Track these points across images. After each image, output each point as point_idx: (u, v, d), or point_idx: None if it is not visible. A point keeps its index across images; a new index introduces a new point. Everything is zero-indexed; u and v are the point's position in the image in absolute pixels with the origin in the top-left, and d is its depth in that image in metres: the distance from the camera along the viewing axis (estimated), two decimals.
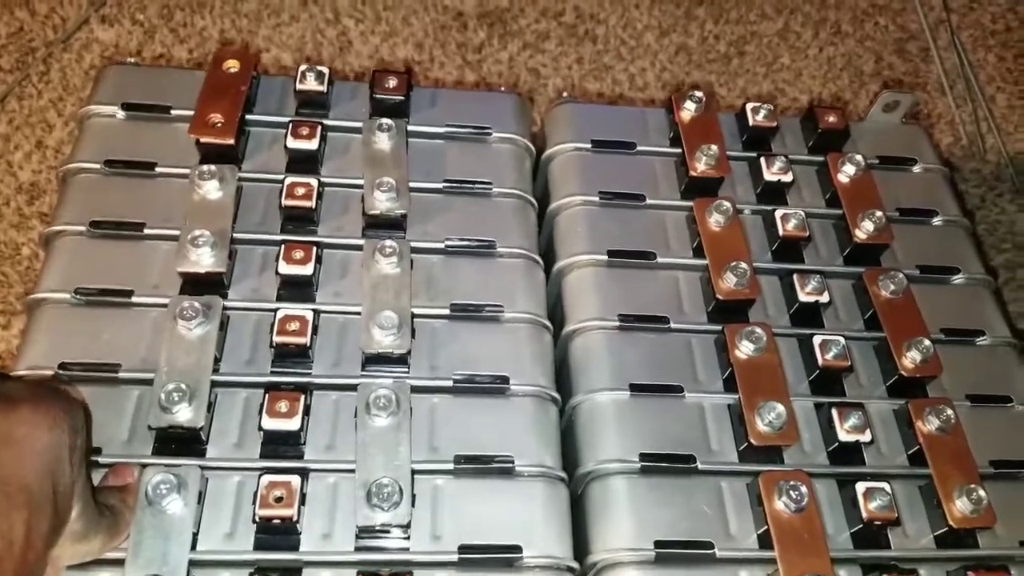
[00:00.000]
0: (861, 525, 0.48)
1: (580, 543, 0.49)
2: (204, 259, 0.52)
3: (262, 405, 0.47)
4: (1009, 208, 1.05)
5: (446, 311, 0.54)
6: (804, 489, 0.47)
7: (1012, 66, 1.20)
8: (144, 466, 0.45)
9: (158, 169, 0.58)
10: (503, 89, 0.71)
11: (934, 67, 1.19)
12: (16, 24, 1.01)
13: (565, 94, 0.84)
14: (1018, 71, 1.19)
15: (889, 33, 1.23)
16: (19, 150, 0.93)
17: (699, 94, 0.64)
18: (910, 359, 0.54)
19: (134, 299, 0.52)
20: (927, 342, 0.54)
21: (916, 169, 0.67)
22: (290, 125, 0.59)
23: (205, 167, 0.55)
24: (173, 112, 0.61)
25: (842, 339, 0.54)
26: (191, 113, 0.58)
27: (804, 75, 1.17)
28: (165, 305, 0.51)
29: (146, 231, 0.55)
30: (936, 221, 0.64)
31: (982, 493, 0.49)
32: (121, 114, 0.61)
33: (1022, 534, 0.51)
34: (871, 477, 0.50)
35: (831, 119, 0.65)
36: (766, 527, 0.47)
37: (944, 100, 1.16)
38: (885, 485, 0.49)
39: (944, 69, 1.18)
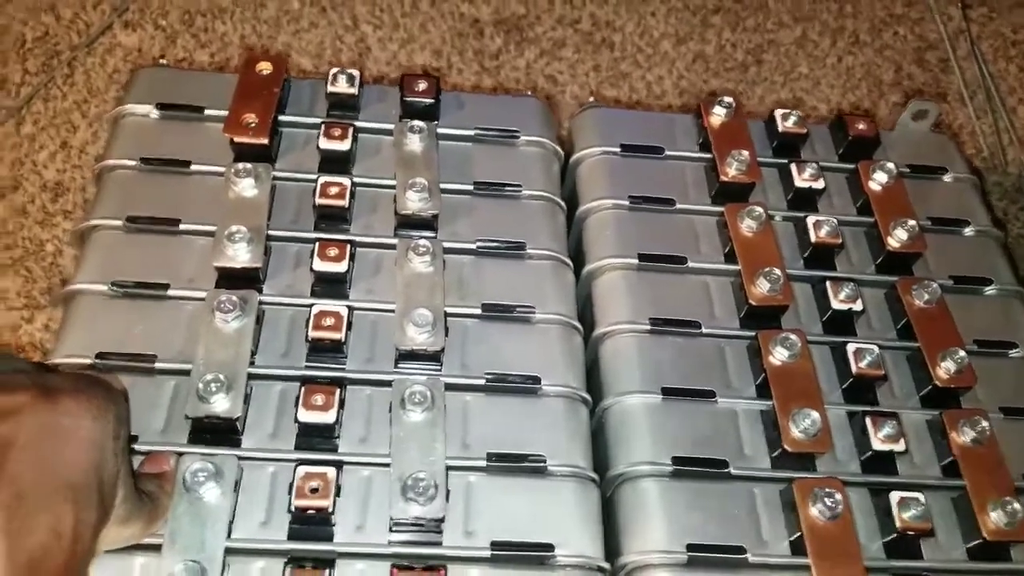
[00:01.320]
0: (895, 535, 0.48)
1: (609, 545, 0.49)
2: (240, 254, 0.52)
3: (298, 398, 0.47)
4: None
5: (477, 311, 0.54)
6: (839, 496, 0.47)
7: None
8: (180, 454, 0.45)
9: (192, 167, 0.58)
10: (529, 93, 0.72)
11: (954, 78, 1.18)
12: (42, 28, 1.02)
13: (592, 99, 0.85)
14: None
15: (908, 43, 1.22)
16: (44, 150, 0.93)
17: (728, 99, 0.64)
18: (944, 369, 0.54)
19: (170, 292, 0.52)
20: (961, 352, 0.54)
21: (947, 178, 0.67)
22: (323, 126, 0.59)
23: (241, 165, 0.55)
24: (206, 112, 0.61)
25: (876, 347, 0.54)
26: (223, 114, 0.58)
27: (823, 84, 1.17)
28: (201, 299, 0.51)
29: (181, 227, 0.55)
30: (968, 231, 0.64)
31: (1017, 506, 0.48)
32: (155, 113, 0.61)
33: None
34: (904, 487, 0.49)
35: (861, 127, 0.65)
36: (799, 534, 0.47)
37: (965, 111, 1.15)
38: (920, 495, 0.49)
39: (964, 80, 1.18)
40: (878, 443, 0.50)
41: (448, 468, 0.47)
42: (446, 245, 0.56)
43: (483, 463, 0.49)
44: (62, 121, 0.96)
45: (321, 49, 1.03)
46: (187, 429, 0.47)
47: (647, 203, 0.61)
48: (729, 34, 1.19)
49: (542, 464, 0.49)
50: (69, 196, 0.90)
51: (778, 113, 0.65)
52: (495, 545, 0.46)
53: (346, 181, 0.57)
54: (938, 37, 1.21)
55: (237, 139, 0.57)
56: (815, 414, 0.49)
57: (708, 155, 0.63)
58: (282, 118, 0.61)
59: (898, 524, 0.48)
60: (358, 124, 0.61)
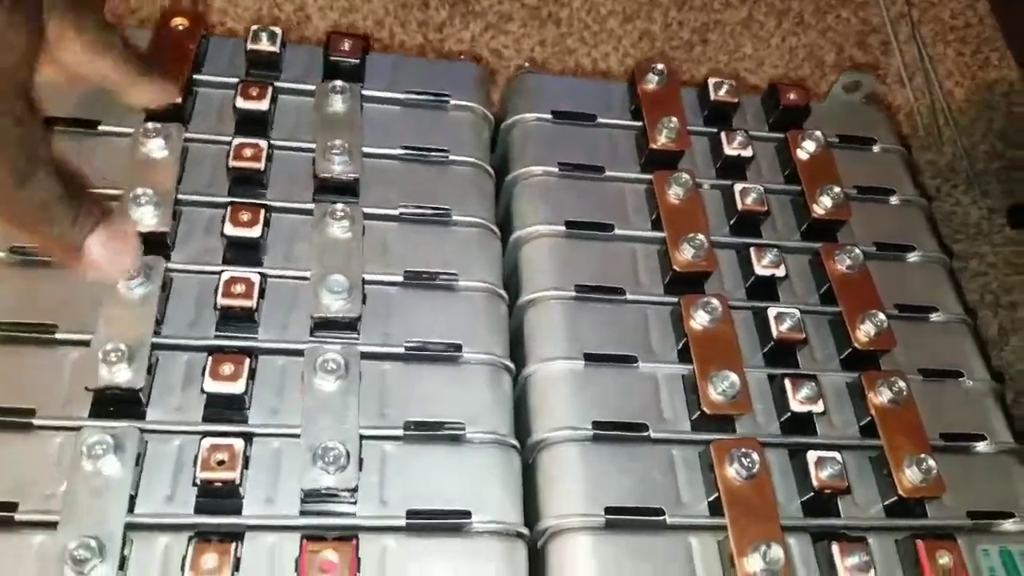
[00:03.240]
0: (812, 494, 0.48)
1: (532, 513, 0.48)
2: (147, 218, 0.50)
3: (205, 367, 0.46)
4: (963, 200, 1.07)
5: (399, 278, 0.53)
6: (756, 456, 0.47)
7: (970, 61, 1.22)
8: (80, 428, 0.43)
9: (101, 128, 0.56)
10: (463, 58, 0.70)
11: (894, 60, 1.20)
12: None
13: (526, 64, 0.84)
14: (976, 66, 1.21)
15: (851, 25, 1.24)
16: None
17: (661, 67, 0.63)
18: (864, 332, 0.54)
19: None
20: (881, 316, 0.54)
21: (875, 149, 0.67)
22: (239, 85, 0.57)
23: (150, 124, 0.53)
24: None
25: (797, 311, 0.54)
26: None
27: (766, 64, 1.18)
28: None
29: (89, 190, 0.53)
30: (893, 200, 0.64)
31: (932, 463, 0.49)
32: None
33: (970, 504, 0.51)
34: (822, 447, 0.50)
35: (792, 96, 0.65)
36: (717, 494, 0.47)
37: (903, 92, 1.17)
38: (836, 455, 0.49)
39: (904, 62, 1.19)
40: (796, 404, 0.50)
41: (363, 438, 0.46)
42: (368, 211, 0.55)
43: (400, 432, 0.48)
44: None
45: (258, 16, 1.00)
46: (88, 402, 0.45)
47: (577, 170, 0.60)
48: (676, 13, 1.19)
49: (461, 431, 0.48)
50: None
51: (711, 82, 0.65)
52: (411, 514, 0.45)
53: (263, 143, 0.55)
54: (880, 21, 1.23)
55: None
56: (733, 376, 0.49)
57: (640, 123, 0.63)
58: (198, 77, 0.59)
59: (815, 483, 0.48)
60: (278, 84, 0.59)
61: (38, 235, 0.36)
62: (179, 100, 0.55)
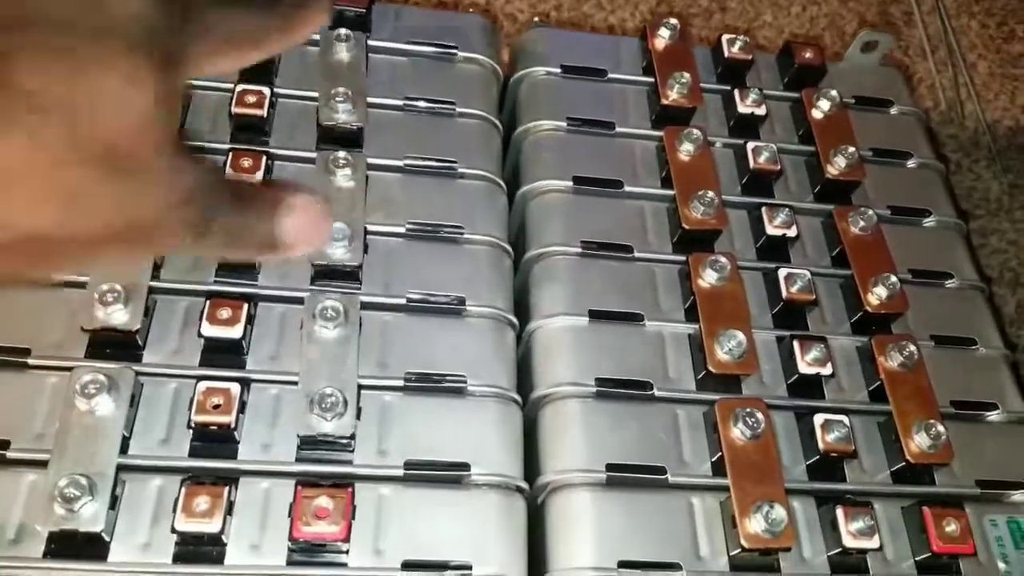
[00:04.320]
0: (818, 457, 0.47)
1: (533, 469, 0.48)
2: None
3: (203, 312, 0.45)
4: (985, 175, 1.05)
5: (403, 230, 0.52)
6: (760, 416, 0.46)
7: (995, 33, 1.19)
8: (72, 369, 0.43)
9: None
10: (471, 10, 0.69)
11: (916, 31, 1.17)
12: None
13: (537, 19, 0.82)
14: (1000, 39, 1.18)
15: None
16: None
17: (674, 22, 0.62)
18: (876, 295, 0.53)
19: None
20: (894, 279, 0.53)
21: (892, 111, 0.65)
22: None
23: None
24: None
25: (808, 272, 0.53)
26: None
27: (786, 32, 1.15)
28: None
29: None
30: (910, 163, 0.63)
31: (941, 429, 0.48)
32: None
33: (978, 473, 0.50)
34: (830, 411, 0.49)
35: (808, 55, 0.64)
36: (720, 454, 0.46)
37: (925, 65, 1.14)
38: (844, 418, 0.48)
39: (927, 34, 1.17)
40: (805, 366, 0.49)
41: (363, 387, 0.46)
42: (372, 161, 0.54)
43: (400, 383, 0.47)
44: None
45: None
46: (84, 343, 0.45)
47: (586, 125, 0.59)
48: None
49: (462, 384, 0.47)
50: None
51: (724, 38, 0.63)
52: (409, 465, 0.44)
53: (266, 90, 0.54)
54: None
55: None
56: (741, 335, 0.48)
57: (651, 79, 0.61)
58: None
59: (821, 446, 0.47)
60: None
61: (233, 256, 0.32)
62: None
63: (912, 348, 0.50)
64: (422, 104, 0.57)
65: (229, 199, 0.25)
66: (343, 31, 0.56)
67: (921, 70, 1.13)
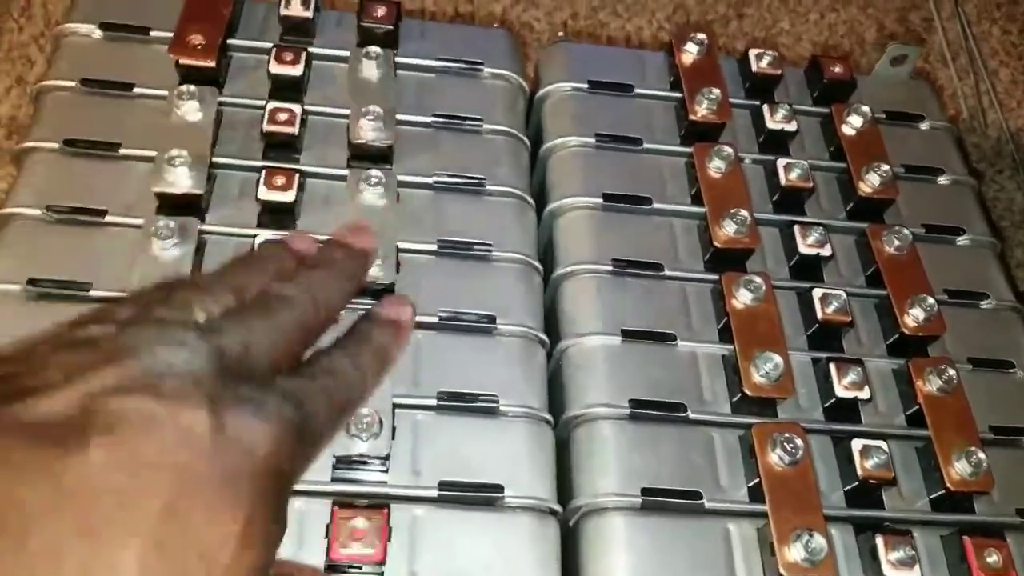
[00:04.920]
0: (856, 483, 0.47)
1: (564, 489, 0.47)
2: (181, 180, 0.49)
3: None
4: (1008, 185, 1.04)
5: (433, 247, 0.52)
6: (799, 442, 0.45)
7: (1017, 40, 1.18)
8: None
9: (136, 90, 0.55)
10: (496, 25, 0.69)
11: (937, 38, 1.16)
12: None
13: (561, 34, 0.81)
14: (1022, 45, 1.17)
15: (892, 1, 1.20)
16: None
17: (701, 36, 0.61)
18: (912, 317, 0.52)
19: (107, 219, 0.49)
20: (931, 300, 0.52)
21: (923, 126, 0.65)
22: (274, 50, 0.56)
23: (184, 87, 0.52)
24: (152, 33, 0.57)
25: (843, 293, 0.52)
26: (171, 35, 0.55)
27: (804, 40, 1.14)
28: (140, 226, 0.48)
29: (122, 152, 0.52)
30: (942, 180, 0.62)
31: (982, 456, 0.47)
32: (98, 33, 0.57)
33: (1019, 502, 0.49)
34: (867, 435, 0.48)
35: (837, 69, 0.63)
36: (758, 480, 0.45)
37: (946, 72, 1.13)
38: (883, 443, 0.47)
39: (947, 40, 1.16)
40: (842, 390, 0.49)
41: (396, 406, 0.45)
42: (402, 178, 0.53)
43: (433, 401, 0.47)
44: (18, 55, 0.91)
45: None
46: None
47: (614, 141, 0.59)
48: None
49: (494, 404, 0.47)
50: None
51: (752, 53, 0.63)
52: (443, 485, 0.44)
53: (296, 108, 0.53)
54: None
55: (182, 60, 0.54)
56: (777, 358, 0.47)
57: (678, 94, 0.61)
58: (232, 41, 0.57)
59: (860, 472, 0.46)
60: (312, 50, 0.58)
61: None
62: (213, 64, 0.54)
63: (951, 372, 0.49)
64: (450, 120, 0.57)
65: None
66: (372, 49, 0.56)
67: (942, 78, 1.12)
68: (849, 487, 0.47)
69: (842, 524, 0.46)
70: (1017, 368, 0.54)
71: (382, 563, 0.40)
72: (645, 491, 0.45)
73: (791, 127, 0.59)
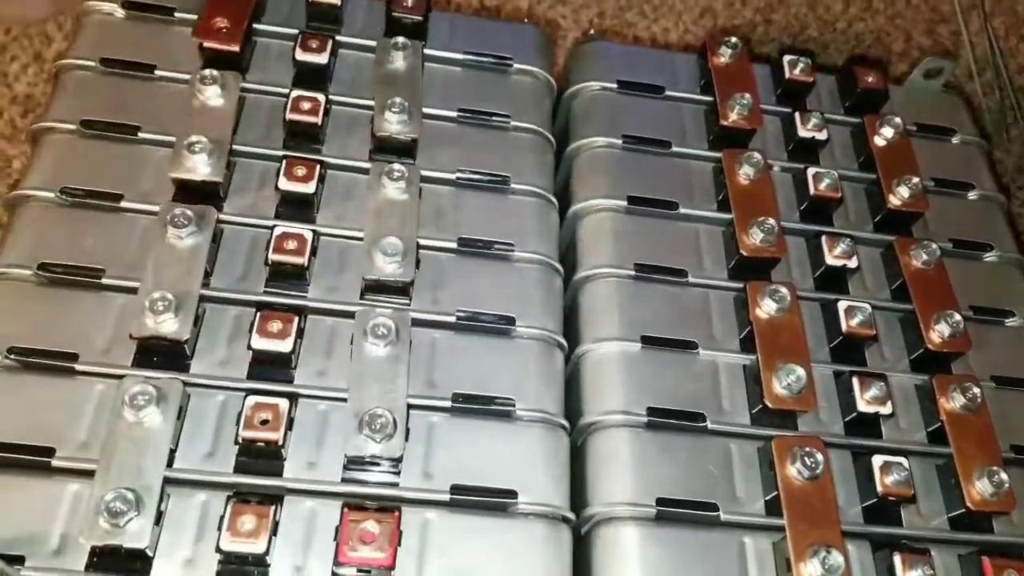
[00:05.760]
0: (875, 499, 0.46)
1: (578, 496, 0.46)
2: (200, 167, 0.48)
3: (253, 323, 0.44)
4: None
5: (454, 244, 0.51)
6: (819, 456, 0.44)
7: None
8: (122, 377, 0.42)
9: (157, 72, 0.54)
10: (526, 20, 0.68)
11: (964, 52, 1.15)
12: None
13: (592, 31, 0.80)
14: None
15: (921, 13, 1.18)
16: (16, 61, 0.88)
17: (735, 40, 0.60)
18: (938, 333, 0.51)
19: (123, 204, 0.49)
20: (957, 316, 0.51)
21: (955, 140, 0.64)
22: (299, 37, 0.55)
23: (207, 71, 0.51)
24: (177, 15, 0.57)
25: (868, 306, 0.51)
26: (196, 17, 0.54)
27: (831, 48, 1.13)
28: (156, 213, 0.47)
29: (141, 135, 0.51)
30: (972, 195, 0.61)
31: (1004, 477, 0.46)
32: (121, 12, 0.57)
33: None
34: (888, 451, 0.47)
35: (870, 79, 0.62)
36: (776, 493, 0.44)
37: (971, 86, 1.12)
38: (903, 460, 0.46)
39: (974, 55, 1.14)
40: (864, 404, 0.48)
41: (410, 407, 0.45)
42: (424, 173, 0.53)
43: (448, 403, 0.46)
44: (36, 32, 0.90)
45: None
46: (132, 351, 0.44)
47: (641, 144, 0.58)
48: None
49: (510, 408, 0.46)
50: (40, 112, 0.85)
51: (786, 59, 0.62)
52: (455, 489, 0.43)
53: (320, 97, 0.53)
54: (951, 10, 1.17)
55: (206, 44, 0.53)
56: (800, 370, 0.47)
57: (709, 98, 0.60)
58: (258, 26, 0.57)
59: (879, 489, 0.46)
60: (339, 38, 0.57)
61: None
62: (237, 48, 0.53)
63: (976, 391, 0.49)
64: (476, 116, 0.56)
65: None
66: (400, 39, 0.55)
67: (968, 92, 1.10)
68: (868, 503, 0.46)
69: (859, 540, 0.46)
70: None
71: (391, 568, 0.40)
72: (660, 501, 0.44)
73: (822, 136, 0.59)
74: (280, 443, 0.42)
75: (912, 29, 1.16)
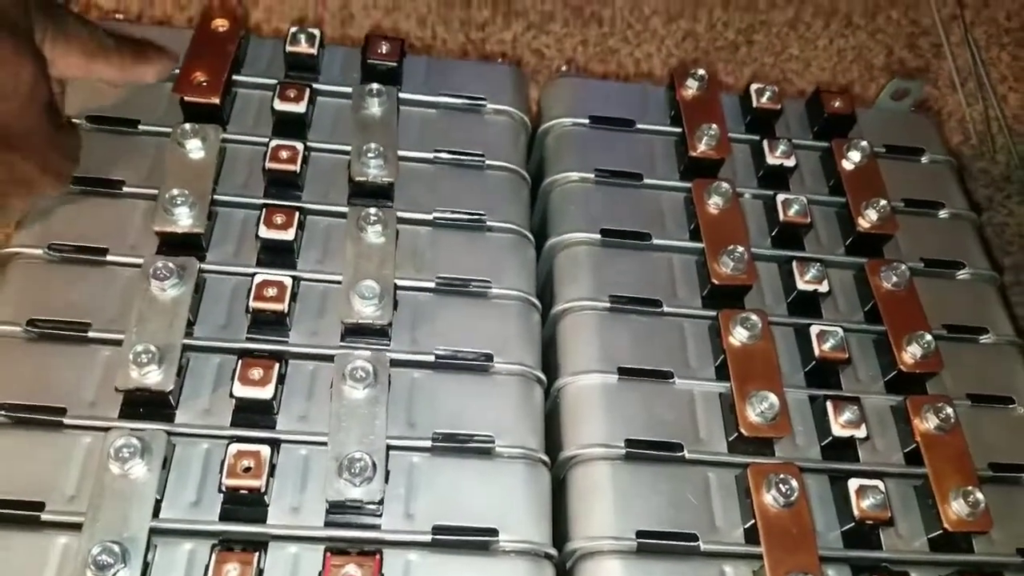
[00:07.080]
0: (852, 524, 0.46)
1: (560, 530, 0.47)
2: (182, 219, 0.50)
3: (234, 371, 0.45)
4: (1017, 210, 1.03)
5: (431, 284, 0.52)
6: (794, 483, 0.45)
7: None
8: (108, 430, 0.43)
9: (140, 127, 0.56)
10: (501, 61, 0.69)
11: (946, 63, 1.16)
12: None
13: (564, 68, 0.82)
14: None
15: (901, 27, 1.20)
16: None
17: (701, 72, 0.62)
18: (910, 354, 0.52)
19: (108, 258, 0.50)
20: (928, 337, 0.52)
21: (924, 160, 0.65)
22: (278, 87, 0.57)
23: (188, 125, 0.53)
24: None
25: (840, 330, 0.52)
26: (177, 72, 0.56)
27: (813, 66, 1.15)
28: (140, 265, 0.49)
29: (125, 189, 0.53)
30: (942, 214, 0.62)
31: (979, 496, 0.47)
32: None
33: (1020, 541, 0.49)
34: (864, 474, 0.48)
35: (837, 104, 0.63)
36: (753, 521, 0.45)
37: (955, 97, 1.13)
38: (879, 483, 0.47)
39: (956, 66, 1.16)
40: (838, 428, 0.49)
41: (390, 448, 0.45)
42: (402, 215, 0.54)
43: (428, 443, 0.47)
44: None
45: (303, 14, 1.00)
46: (118, 403, 0.45)
47: (614, 177, 0.59)
48: (720, 13, 1.16)
49: (490, 445, 0.47)
50: None
51: (753, 88, 0.63)
52: (436, 529, 0.44)
53: (299, 145, 0.54)
54: (931, 22, 1.19)
55: (187, 98, 0.55)
56: (773, 397, 0.47)
57: (679, 129, 0.61)
58: (237, 78, 0.58)
59: (856, 513, 0.46)
60: (316, 86, 0.58)
61: None
62: (217, 101, 0.55)
63: (949, 411, 0.49)
64: (451, 156, 0.58)
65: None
66: (375, 86, 0.57)
67: (951, 103, 1.12)
68: (846, 527, 0.47)
69: (839, 565, 0.46)
70: (1017, 404, 0.54)
71: None
72: (641, 533, 0.45)
73: (790, 162, 0.60)
74: (263, 490, 0.43)
75: (893, 43, 1.18)
